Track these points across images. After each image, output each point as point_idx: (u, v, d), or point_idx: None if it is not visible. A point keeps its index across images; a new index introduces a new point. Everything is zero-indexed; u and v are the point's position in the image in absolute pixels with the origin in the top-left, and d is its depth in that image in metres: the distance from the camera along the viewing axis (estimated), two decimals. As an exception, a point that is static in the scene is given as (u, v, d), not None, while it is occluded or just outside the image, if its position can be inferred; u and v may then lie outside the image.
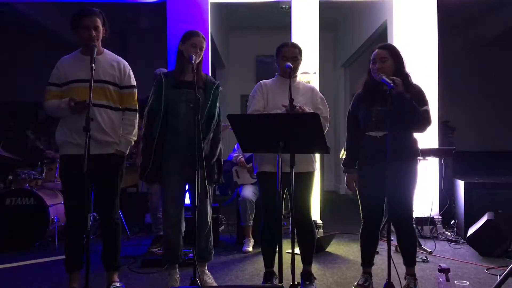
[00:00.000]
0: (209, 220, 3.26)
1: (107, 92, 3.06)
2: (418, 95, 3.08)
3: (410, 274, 3.17)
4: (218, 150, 3.28)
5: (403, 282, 3.16)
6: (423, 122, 3.06)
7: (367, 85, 3.22)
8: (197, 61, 3.12)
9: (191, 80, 2.98)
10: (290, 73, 3.00)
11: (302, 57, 3.28)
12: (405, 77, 3.12)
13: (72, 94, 2.96)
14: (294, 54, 3.20)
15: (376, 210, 3.19)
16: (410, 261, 3.18)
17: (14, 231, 4.55)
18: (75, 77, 3.00)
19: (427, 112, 3.07)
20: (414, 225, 4.82)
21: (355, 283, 3.27)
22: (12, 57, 8.43)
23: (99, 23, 3.03)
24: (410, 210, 3.15)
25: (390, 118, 2.87)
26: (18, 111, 8.71)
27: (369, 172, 3.14)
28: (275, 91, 3.21)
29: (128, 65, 3.20)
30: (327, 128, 3.19)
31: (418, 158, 3.22)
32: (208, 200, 3.18)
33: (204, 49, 3.19)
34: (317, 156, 3.38)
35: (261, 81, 3.33)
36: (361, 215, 3.26)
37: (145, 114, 3.20)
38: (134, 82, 3.20)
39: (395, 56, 3.12)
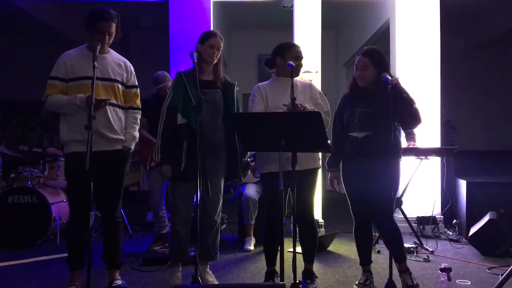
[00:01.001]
0: (218, 219, 3.27)
1: (117, 91, 3.09)
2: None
3: (403, 270, 3.16)
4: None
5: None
6: (416, 120, 3.12)
7: (352, 86, 3.27)
8: (215, 61, 3.18)
9: (210, 79, 3.10)
10: (292, 72, 3.01)
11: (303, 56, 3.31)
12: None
13: (81, 91, 2.95)
14: (302, 54, 3.24)
15: (364, 208, 3.20)
16: (398, 258, 3.16)
17: (16, 229, 4.56)
18: (85, 74, 2.98)
19: (417, 111, 3.12)
20: (416, 225, 4.89)
21: (356, 282, 3.27)
22: (15, 55, 8.44)
23: (113, 28, 3.04)
24: (389, 207, 3.15)
25: (390, 117, 2.90)
26: (20, 109, 8.72)
27: (352, 171, 3.19)
28: (274, 92, 3.22)
29: (131, 65, 3.24)
30: (329, 122, 3.21)
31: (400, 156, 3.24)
32: (219, 198, 3.22)
33: (221, 49, 3.20)
34: (320, 154, 3.37)
35: (258, 84, 3.34)
36: (351, 213, 3.28)
37: (162, 111, 3.15)
38: (136, 82, 3.25)
39: (377, 63, 3.13)
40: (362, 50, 3.21)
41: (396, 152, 3.14)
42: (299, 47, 3.26)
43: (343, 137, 3.23)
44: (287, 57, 3.18)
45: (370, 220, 3.26)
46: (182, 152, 3.08)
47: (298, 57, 3.19)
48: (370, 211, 3.22)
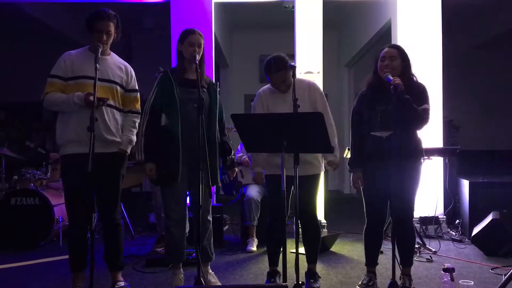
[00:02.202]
0: (210, 219, 3.26)
1: (115, 92, 3.09)
2: (420, 94, 3.10)
3: (406, 274, 3.18)
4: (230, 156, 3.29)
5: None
6: (421, 120, 3.07)
7: (372, 83, 3.21)
8: (198, 59, 3.06)
9: (194, 78, 2.98)
10: (294, 73, 3.00)
11: (290, 59, 3.21)
12: (411, 77, 3.14)
13: (79, 90, 2.95)
14: (283, 79, 3.14)
15: (380, 209, 3.19)
16: (407, 261, 3.17)
17: (18, 231, 4.57)
18: (83, 73, 2.99)
19: (425, 111, 3.07)
20: (419, 225, 4.88)
21: (359, 283, 3.26)
22: (17, 56, 8.47)
23: (112, 27, 3.04)
24: (411, 210, 3.16)
25: (393, 118, 2.87)
26: (22, 110, 8.74)
27: (374, 171, 3.14)
28: (274, 97, 3.22)
29: (132, 70, 3.24)
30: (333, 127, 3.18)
31: (422, 158, 3.21)
32: (210, 200, 3.22)
33: (202, 46, 3.13)
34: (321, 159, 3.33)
35: (260, 90, 3.32)
36: (365, 214, 3.26)
37: (145, 109, 3.10)
38: (137, 87, 3.25)
39: (404, 57, 3.13)
40: (388, 45, 3.22)
41: (419, 152, 3.14)
42: (274, 73, 3.14)
43: (363, 136, 3.19)
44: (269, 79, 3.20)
45: (383, 221, 3.24)
46: (169, 155, 3.05)
47: (275, 83, 3.17)
48: (384, 212, 3.20)
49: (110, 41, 3.07)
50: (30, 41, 8.21)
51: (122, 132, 3.16)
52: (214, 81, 3.31)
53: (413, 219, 3.24)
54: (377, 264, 3.32)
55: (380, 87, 3.12)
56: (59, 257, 4.18)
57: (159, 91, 3.11)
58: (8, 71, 8.40)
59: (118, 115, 3.13)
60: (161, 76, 3.14)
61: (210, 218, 3.26)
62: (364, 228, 3.29)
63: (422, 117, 3.05)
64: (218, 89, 3.24)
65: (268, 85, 3.31)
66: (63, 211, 4.68)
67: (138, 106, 3.24)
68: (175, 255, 3.23)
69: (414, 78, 3.17)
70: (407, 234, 3.15)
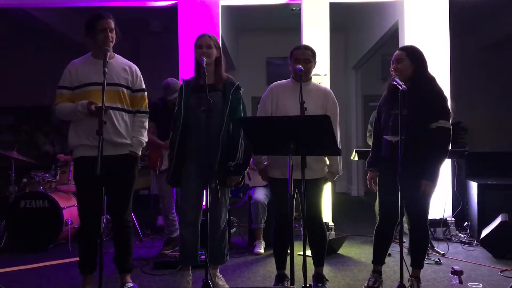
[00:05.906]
0: (222, 224, 3.24)
1: (122, 95, 3.10)
2: (436, 104, 3.03)
3: (415, 276, 3.17)
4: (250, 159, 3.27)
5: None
6: (443, 148, 3.03)
7: (389, 87, 3.19)
8: (209, 61, 3.07)
9: (210, 83, 3.01)
10: (301, 76, 3.00)
11: (316, 60, 3.24)
12: (428, 80, 3.11)
13: (86, 97, 2.99)
14: (306, 56, 3.15)
15: (393, 210, 3.16)
16: (417, 264, 3.17)
17: (28, 233, 4.61)
18: (89, 80, 3.03)
19: (442, 131, 3.01)
20: (428, 226, 4.86)
21: (365, 284, 3.26)
22: (26, 61, 8.54)
23: (113, 25, 3.08)
24: (425, 213, 3.16)
25: (402, 121, 2.85)
26: (31, 114, 8.81)
27: (387, 173, 3.14)
28: (286, 94, 3.19)
29: (138, 69, 3.25)
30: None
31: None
32: (223, 202, 3.21)
33: (213, 46, 3.14)
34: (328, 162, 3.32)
35: (274, 84, 3.31)
36: (378, 213, 3.26)
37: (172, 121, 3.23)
38: (144, 86, 3.26)
39: (414, 58, 3.10)
40: (399, 47, 3.23)
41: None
42: (301, 49, 3.18)
43: (380, 138, 3.23)
44: (290, 61, 3.19)
45: (395, 222, 3.22)
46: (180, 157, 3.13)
47: (297, 59, 3.13)
48: (396, 213, 3.18)
49: (114, 39, 3.09)
50: (38, 46, 8.28)
51: (133, 133, 3.18)
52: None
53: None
54: (384, 263, 3.31)
55: (395, 91, 3.06)
56: (68, 259, 4.21)
57: (178, 103, 3.20)
58: (17, 75, 8.48)
59: (127, 117, 3.15)
60: (180, 88, 3.24)
61: (222, 221, 3.23)
62: (376, 226, 3.29)
63: (444, 152, 3.04)
64: (240, 90, 3.21)
65: (283, 80, 3.30)
66: (72, 214, 4.73)
67: (145, 105, 3.25)
68: (186, 258, 3.23)
69: (433, 82, 3.12)
70: (420, 237, 3.15)
